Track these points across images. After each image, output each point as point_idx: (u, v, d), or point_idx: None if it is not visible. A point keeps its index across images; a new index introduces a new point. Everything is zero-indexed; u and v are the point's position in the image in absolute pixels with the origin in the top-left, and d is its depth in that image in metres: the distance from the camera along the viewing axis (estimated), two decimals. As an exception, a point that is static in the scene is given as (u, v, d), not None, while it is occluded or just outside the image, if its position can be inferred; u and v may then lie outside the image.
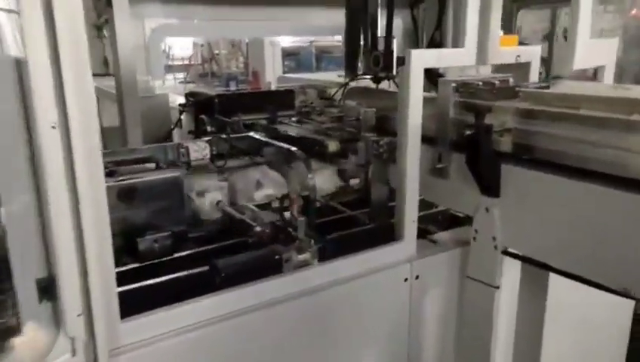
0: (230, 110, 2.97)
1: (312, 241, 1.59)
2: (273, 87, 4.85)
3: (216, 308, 1.40)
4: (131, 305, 1.51)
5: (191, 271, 1.68)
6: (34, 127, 0.95)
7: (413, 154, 1.70)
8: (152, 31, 2.91)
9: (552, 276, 1.69)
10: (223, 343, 1.42)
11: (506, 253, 1.63)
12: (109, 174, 2.10)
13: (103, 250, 1.16)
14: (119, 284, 1.66)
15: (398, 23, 3.02)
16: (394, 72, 2.30)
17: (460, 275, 1.84)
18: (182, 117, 3.33)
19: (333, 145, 2.17)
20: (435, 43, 2.34)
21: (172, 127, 3.10)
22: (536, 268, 1.62)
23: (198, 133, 3.04)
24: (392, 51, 2.26)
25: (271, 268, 1.50)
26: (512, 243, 1.63)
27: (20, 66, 0.93)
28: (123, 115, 2.63)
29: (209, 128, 2.83)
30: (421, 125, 1.72)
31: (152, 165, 2.14)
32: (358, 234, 2.06)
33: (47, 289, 1.09)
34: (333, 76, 4.06)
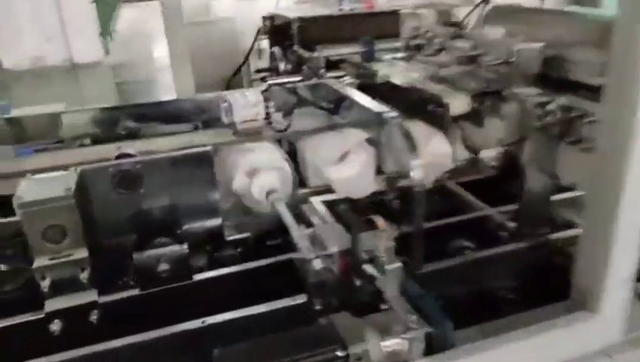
0: (316, 40, 2.18)
1: (415, 317, 0.81)
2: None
3: None
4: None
5: (206, 321, 1.03)
6: None
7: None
8: None
9: None
10: None
11: None
12: (128, 137, 1.49)
13: None
14: (105, 323, 1.07)
15: None
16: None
17: None
18: (257, 48, 2.62)
19: (457, 104, 1.31)
20: None
21: (242, 61, 2.38)
22: None
23: (272, 71, 2.31)
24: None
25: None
26: None
27: None
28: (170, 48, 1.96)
29: (283, 66, 2.07)
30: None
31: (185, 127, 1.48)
32: (492, 260, 1.23)
33: None
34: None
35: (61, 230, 1.03)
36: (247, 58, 2.38)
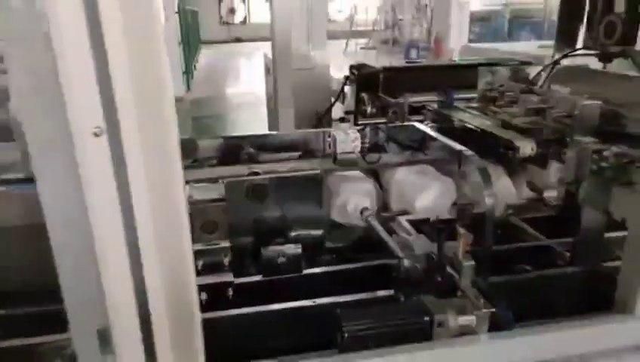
0: (397, 88, 2.51)
1: (482, 301, 1.07)
2: (455, 57, 4.17)
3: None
4: (233, 336, 1.24)
5: (315, 301, 1.33)
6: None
7: (671, 184, 1.03)
8: (317, -6, 2.56)
9: None
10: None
11: None
12: (247, 161, 1.87)
13: (183, 287, 0.85)
14: (236, 298, 1.42)
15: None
16: (636, 45, 1.56)
17: None
18: (346, 92, 2.99)
19: (527, 148, 1.56)
20: None
21: (330, 104, 2.78)
22: None
23: (357, 113, 2.66)
24: (639, 15, 1.52)
25: (415, 332, 1.04)
26: None
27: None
28: (275, 88, 2.37)
29: (369, 109, 2.42)
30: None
31: (293, 155, 1.85)
32: (550, 279, 1.46)
33: (109, 339, 0.82)
34: (531, 48, 3.28)
35: (213, 224, 1.39)
36: (336, 100, 2.75)
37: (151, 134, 0.70)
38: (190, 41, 12.87)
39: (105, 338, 0.82)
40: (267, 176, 1.53)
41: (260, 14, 23.49)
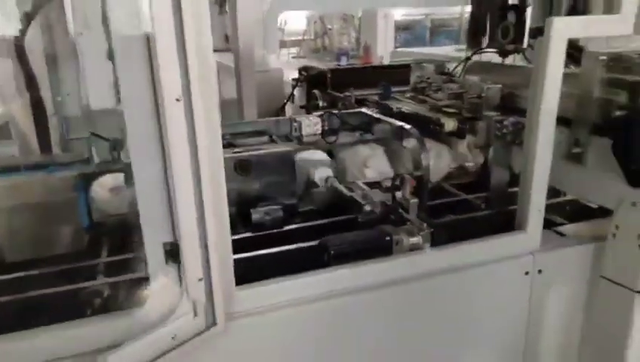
0: (342, 85, 2.94)
1: (425, 225, 1.50)
2: (386, 62, 4.68)
3: (326, 285, 1.40)
4: (244, 272, 1.57)
5: (300, 245, 1.70)
6: (161, 101, 0.99)
7: (545, 137, 1.52)
8: (270, 4, 2.93)
9: None
10: (328, 319, 1.41)
11: (653, 254, 1.41)
12: (226, 146, 2.21)
13: (221, 220, 1.19)
14: (234, 252, 1.74)
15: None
16: (524, 44, 2.08)
17: (591, 273, 1.63)
18: (294, 91, 3.38)
19: (450, 124, 2.03)
20: (578, 11, 2.07)
21: (285, 100, 3.16)
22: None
23: (309, 107, 3.07)
24: (525, 21, 2.04)
25: (380, 249, 1.45)
26: (663, 245, 1.40)
27: (149, 42, 0.97)
28: (240, 89, 2.72)
29: (321, 103, 2.83)
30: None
31: (266, 138, 2.21)
32: (473, 219, 1.93)
33: (172, 252, 1.15)
34: (450, 51, 3.84)
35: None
36: (289, 98, 3.14)
37: (207, 103, 1.06)
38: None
39: (169, 252, 1.15)
40: (250, 153, 1.88)
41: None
